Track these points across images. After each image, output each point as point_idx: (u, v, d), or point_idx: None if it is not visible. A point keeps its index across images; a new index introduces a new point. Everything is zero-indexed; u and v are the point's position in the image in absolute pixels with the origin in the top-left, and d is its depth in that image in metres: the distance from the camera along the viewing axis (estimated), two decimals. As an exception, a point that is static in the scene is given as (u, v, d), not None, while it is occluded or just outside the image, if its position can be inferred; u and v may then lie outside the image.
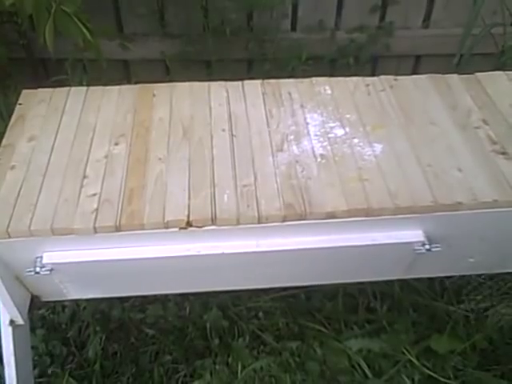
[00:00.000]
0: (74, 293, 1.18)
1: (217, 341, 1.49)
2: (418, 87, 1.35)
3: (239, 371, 1.42)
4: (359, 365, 1.42)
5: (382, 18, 2.17)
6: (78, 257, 1.04)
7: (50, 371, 1.44)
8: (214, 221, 1.03)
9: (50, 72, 2.10)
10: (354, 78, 1.37)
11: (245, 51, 2.14)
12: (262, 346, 1.49)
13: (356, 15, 2.14)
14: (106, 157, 1.14)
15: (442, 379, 1.38)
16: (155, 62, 2.15)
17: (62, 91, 1.31)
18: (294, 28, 2.17)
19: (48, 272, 1.05)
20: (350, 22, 2.16)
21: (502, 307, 1.39)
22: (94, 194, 1.06)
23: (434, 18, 2.18)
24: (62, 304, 1.54)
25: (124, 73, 2.22)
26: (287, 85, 1.35)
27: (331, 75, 1.38)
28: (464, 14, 2.05)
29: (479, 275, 1.46)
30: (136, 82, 1.36)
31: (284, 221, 1.05)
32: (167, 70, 2.16)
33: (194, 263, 1.10)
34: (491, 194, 1.08)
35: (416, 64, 2.31)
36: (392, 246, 1.11)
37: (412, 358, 1.41)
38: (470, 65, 1.94)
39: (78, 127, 1.21)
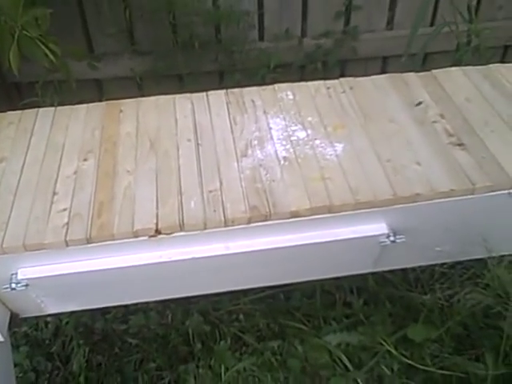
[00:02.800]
0: (52, 307, 1.21)
1: (199, 345, 1.51)
2: (377, 87, 1.40)
3: (222, 373, 1.44)
4: (339, 358, 1.44)
5: (347, 22, 2.22)
6: (51, 271, 1.07)
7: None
8: (182, 227, 1.07)
9: (23, 95, 2.13)
10: (316, 82, 1.42)
11: (215, 63, 2.18)
12: (243, 348, 1.51)
13: (321, 22, 2.20)
14: (75, 173, 1.18)
15: (420, 366, 1.39)
16: (127, 79, 2.19)
17: (30, 113, 1.34)
18: (261, 38, 2.22)
19: (24, 287, 1.07)
20: (315, 28, 2.21)
21: (467, 292, 1.44)
22: (65, 209, 1.09)
23: (397, 19, 2.24)
24: (45, 320, 1.56)
25: (96, 92, 2.25)
26: (250, 93, 1.39)
27: (300, 81, 1.42)
28: (426, 15, 2.11)
29: (442, 264, 1.50)
30: (108, 100, 1.40)
31: (250, 222, 1.08)
32: (139, 87, 2.20)
33: (166, 270, 1.13)
34: (448, 183, 1.13)
35: (383, 65, 2.37)
36: (358, 241, 1.15)
37: (390, 348, 1.43)
38: (433, 63, 2.00)
39: (47, 146, 1.25)
